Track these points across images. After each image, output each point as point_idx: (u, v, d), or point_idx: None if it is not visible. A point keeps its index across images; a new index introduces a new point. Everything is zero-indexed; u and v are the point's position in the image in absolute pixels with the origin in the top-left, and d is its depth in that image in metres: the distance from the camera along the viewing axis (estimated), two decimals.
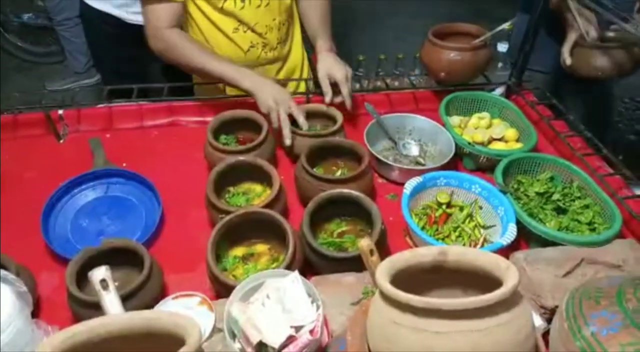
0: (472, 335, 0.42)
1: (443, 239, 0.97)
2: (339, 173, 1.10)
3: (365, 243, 0.58)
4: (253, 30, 1.29)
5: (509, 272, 0.47)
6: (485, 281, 0.52)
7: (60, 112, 1.24)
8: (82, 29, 2.79)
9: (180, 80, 1.35)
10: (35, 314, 0.82)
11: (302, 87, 1.42)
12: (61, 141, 1.23)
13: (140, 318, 0.51)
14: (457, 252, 0.53)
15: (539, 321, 0.79)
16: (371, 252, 0.58)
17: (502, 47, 1.37)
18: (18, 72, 3.02)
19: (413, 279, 0.55)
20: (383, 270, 0.50)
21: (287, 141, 1.12)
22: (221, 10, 1.25)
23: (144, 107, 1.30)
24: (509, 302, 0.45)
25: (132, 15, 1.75)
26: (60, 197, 1.02)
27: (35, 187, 1.09)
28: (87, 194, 1.05)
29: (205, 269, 0.85)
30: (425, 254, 0.54)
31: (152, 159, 1.17)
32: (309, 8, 1.36)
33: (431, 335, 0.43)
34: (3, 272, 0.72)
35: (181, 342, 0.48)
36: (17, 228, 0.99)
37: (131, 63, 1.99)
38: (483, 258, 0.51)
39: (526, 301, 0.50)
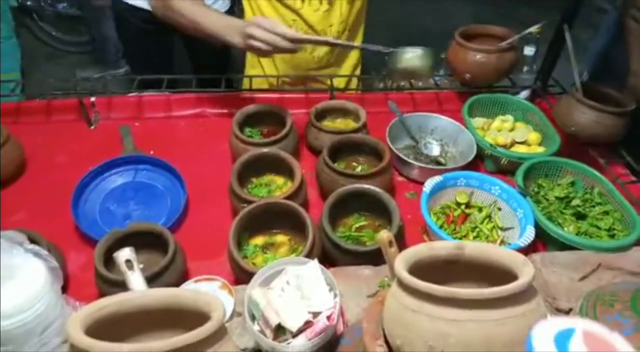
0: (486, 325, 0.43)
1: (460, 239, 0.98)
2: (359, 169, 1.11)
3: (385, 234, 0.60)
4: (307, 31, 1.32)
5: (526, 268, 0.49)
6: (500, 276, 0.53)
7: (93, 99, 1.29)
8: (112, 20, 2.88)
9: (208, 72, 1.39)
10: (63, 290, 0.85)
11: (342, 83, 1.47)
12: (92, 127, 1.27)
13: (165, 294, 0.54)
14: (474, 247, 0.55)
15: None
16: (390, 243, 0.60)
17: (529, 50, 1.37)
18: (49, 60, 3.11)
19: (429, 271, 0.56)
20: (401, 260, 0.52)
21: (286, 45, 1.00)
22: (281, 1, 1.30)
23: (172, 97, 1.33)
24: (524, 296, 0.47)
25: None
26: (90, 181, 1.06)
27: (66, 170, 1.13)
28: (116, 179, 1.09)
29: (226, 256, 0.88)
30: (442, 247, 0.55)
31: (178, 148, 1.20)
32: None
33: (447, 323, 0.44)
34: (36, 247, 0.75)
35: (205, 318, 0.51)
36: (47, 209, 1.04)
37: (160, 55, 2.05)
38: (500, 253, 0.53)
39: (540, 297, 0.51)
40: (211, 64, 1.97)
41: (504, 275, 0.53)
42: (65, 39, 3.19)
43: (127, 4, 1.79)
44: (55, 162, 1.17)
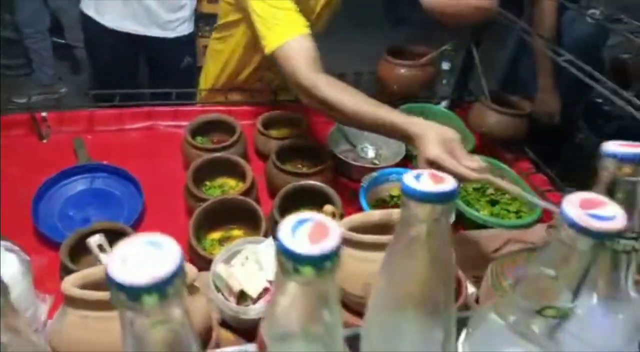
0: None
1: None
2: (304, 170, 1.23)
3: (329, 208, 0.72)
4: None
5: None
6: None
7: (44, 114, 1.33)
8: (50, 42, 2.87)
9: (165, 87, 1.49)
10: None
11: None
12: (44, 141, 1.31)
13: None
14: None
15: (470, 289, 0.94)
16: (333, 215, 0.72)
17: (446, 65, 1.57)
18: None
19: None
20: (343, 224, 0.64)
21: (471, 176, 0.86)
22: None
23: (123, 111, 1.40)
24: None
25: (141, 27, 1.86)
26: (48, 188, 1.10)
27: (19, 181, 1.15)
28: (74, 187, 1.14)
29: (184, 252, 0.97)
30: (374, 214, 0.68)
31: (132, 158, 1.26)
32: None
33: (376, 263, 0.57)
34: (7, 243, 0.80)
35: None
36: (4, 217, 1.06)
37: (126, 74, 2.09)
38: None
39: None
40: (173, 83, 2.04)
41: None
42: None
43: (104, 26, 1.82)
44: (9, 174, 1.19)
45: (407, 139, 0.92)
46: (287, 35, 1.02)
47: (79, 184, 1.14)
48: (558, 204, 0.34)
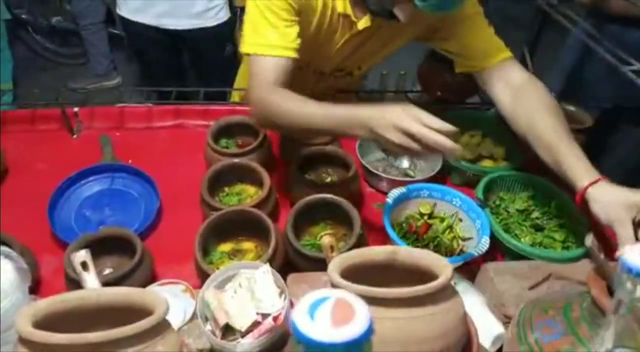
0: (400, 322, 0.47)
1: (421, 249, 1.01)
2: (329, 180, 1.16)
3: (327, 239, 0.64)
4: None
5: (444, 272, 0.53)
6: (430, 280, 0.57)
7: (76, 109, 1.33)
8: (105, 33, 2.95)
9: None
10: (36, 292, 0.89)
11: None
12: (74, 136, 1.31)
13: (116, 292, 0.57)
14: (407, 252, 0.59)
15: (500, 329, 0.83)
16: (332, 248, 0.63)
17: None
18: (42, 71, 3.17)
19: (366, 276, 0.60)
20: (335, 263, 0.56)
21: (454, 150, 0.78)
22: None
23: (153, 109, 1.38)
24: (438, 297, 0.50)
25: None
26: (67, 187, 1.10)
27: (46, 177, 1.16)
28: (93, 186, 1.13)
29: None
30: (378, 252, 0.59)
31: (156, 158, 1.24)
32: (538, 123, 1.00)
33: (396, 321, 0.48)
34: (6, 249, 0.79)
35: (151, 314, 0.54)
36: (24, 213, 1.07)
37: (171, 69, 2.10)
38: (427, 258, 0.57)
39: (460, 298, 0.55)
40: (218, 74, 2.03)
41: (433, 279, 0.57)
42: (59, 51, 3.27)
43: (141, 25, 1.84)
44: (36, 169, 1.21)
45: (362, 125, 0.83)
46: (269, 50, 0.97)
47: (98, 184, 1.13)
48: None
